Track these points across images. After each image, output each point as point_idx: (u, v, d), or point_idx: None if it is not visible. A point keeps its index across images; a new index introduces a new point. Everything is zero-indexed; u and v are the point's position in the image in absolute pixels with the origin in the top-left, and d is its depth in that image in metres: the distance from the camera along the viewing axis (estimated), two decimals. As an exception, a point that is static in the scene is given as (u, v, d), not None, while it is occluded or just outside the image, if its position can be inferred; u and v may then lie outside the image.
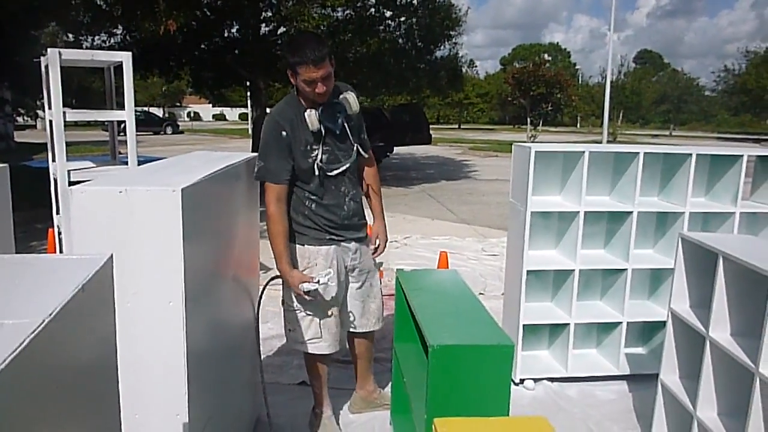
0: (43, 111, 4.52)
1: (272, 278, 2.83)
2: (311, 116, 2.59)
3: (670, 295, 2.69)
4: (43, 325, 0.78)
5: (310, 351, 2.84)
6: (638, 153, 3.37)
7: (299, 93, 2.69)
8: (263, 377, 2.87)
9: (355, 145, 2.78)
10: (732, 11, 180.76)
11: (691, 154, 3.39)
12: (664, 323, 2.77)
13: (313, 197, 2.72)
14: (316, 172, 2.67)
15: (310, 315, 2.78)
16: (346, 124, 2.71)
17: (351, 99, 2.67)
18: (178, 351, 1.83)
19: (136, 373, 1.73)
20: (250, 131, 24.32)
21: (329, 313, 2.80)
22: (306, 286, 2.63)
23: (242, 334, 2.75)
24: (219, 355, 2.33)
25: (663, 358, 2.74)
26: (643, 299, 3.78)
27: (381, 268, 5.61)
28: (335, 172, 2.71)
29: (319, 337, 2.80)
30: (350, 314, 2.94)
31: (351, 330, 2.99)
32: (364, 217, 2.94)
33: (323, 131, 2.65)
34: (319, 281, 2.64)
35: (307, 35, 3.54)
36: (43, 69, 4.13)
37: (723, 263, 2.32)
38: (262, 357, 3.07)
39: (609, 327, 3.63)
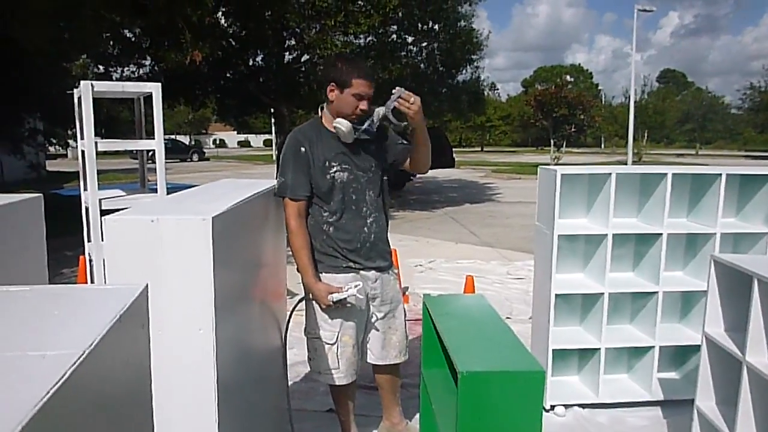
0: (74, 140, 4.62)
1: (299, 301, 2.83)
2: (342, 122, 2.63)
3: (704, 319, 2.63)
4: (83, 356, 0.79)
5: (323, 381, 2.84)
6: (666, 174, 3.33)
7: (324, 115, 2.75)
8: (290, 404, 2.87)
9: (385, 155, 2.82)
10: (756, 27, 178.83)
11: (720, 174, 3.34)
12: (697, 347, 2.71)
13: (331, 219, 2.71)
14: (336, 189, 2.69)
15: (328, 344, 2.76)
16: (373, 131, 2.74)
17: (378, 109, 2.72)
18: (208, 378, 1.84)
19: (167, 401, 1.74)
20: (274, 157, 24.61)
21: (348, 342, 2.77)
22: (335, 297, 2.62)
23: (270, 360, 2.75)
24: (248, 381, 2.33)
25: (698, 384, 2.67)
26: (674, 322, 3.71)
27: (407, 293, 5.60)
28: (354, 186, 2.72)
29: (336, 367, 2.78)
30: (370, 345, 2.91)
31: (371, 362, 2.95)
32: (388, 244, 2.90)
33: (346, 144, 2.69)
34: (348, 290, 2.63)
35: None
36: (75, 100, 4.24)
37: (758, 286, 2.27)
38: (289, 383, 3.06)
39: (640, 351, 3.56)
